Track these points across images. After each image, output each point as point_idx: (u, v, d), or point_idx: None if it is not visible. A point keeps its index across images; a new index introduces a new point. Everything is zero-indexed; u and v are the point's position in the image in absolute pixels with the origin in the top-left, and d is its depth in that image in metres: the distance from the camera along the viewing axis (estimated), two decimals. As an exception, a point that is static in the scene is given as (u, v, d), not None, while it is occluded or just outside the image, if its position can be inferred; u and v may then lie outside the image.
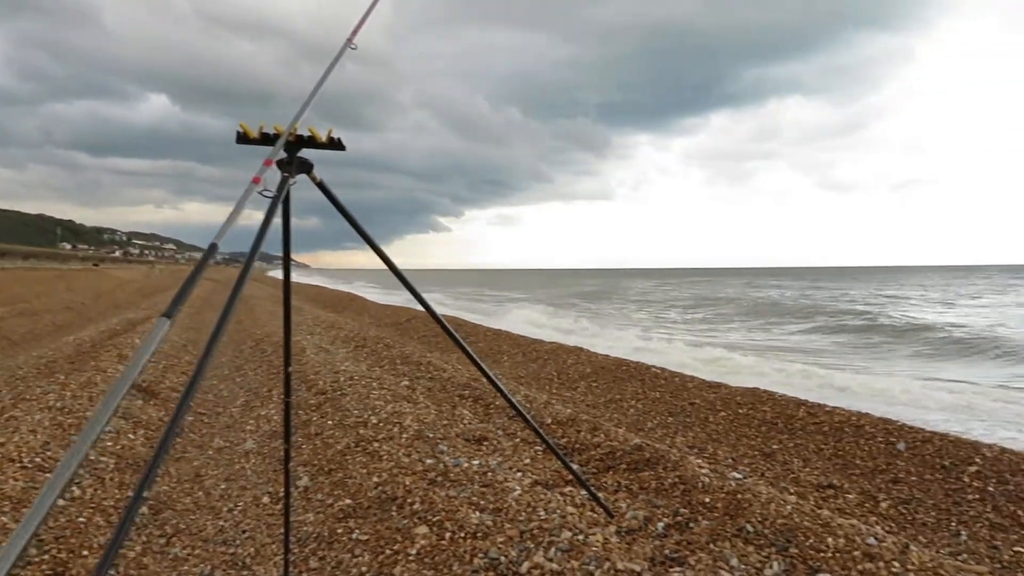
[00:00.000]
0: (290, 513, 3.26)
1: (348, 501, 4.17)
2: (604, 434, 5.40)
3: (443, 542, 3.39)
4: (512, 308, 31.20)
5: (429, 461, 4.59)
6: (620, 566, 3.00)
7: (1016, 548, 4.05)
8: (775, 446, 6.10)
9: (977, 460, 5.23)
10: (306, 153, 2.27)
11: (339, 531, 3.81)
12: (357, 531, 3.75)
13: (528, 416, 3.21)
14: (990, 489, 4.83)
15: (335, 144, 2.26)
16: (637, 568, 3.00)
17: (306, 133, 2.22)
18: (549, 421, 6.00)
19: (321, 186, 2.30)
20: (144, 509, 4.13)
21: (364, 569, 3.32)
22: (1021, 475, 4.96)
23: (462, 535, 3.44)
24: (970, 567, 3.08)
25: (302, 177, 2.25)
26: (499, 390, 3.03)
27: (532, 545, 3.27)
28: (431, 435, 5.24)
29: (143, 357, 1.49)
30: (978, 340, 18.13)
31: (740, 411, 7.14)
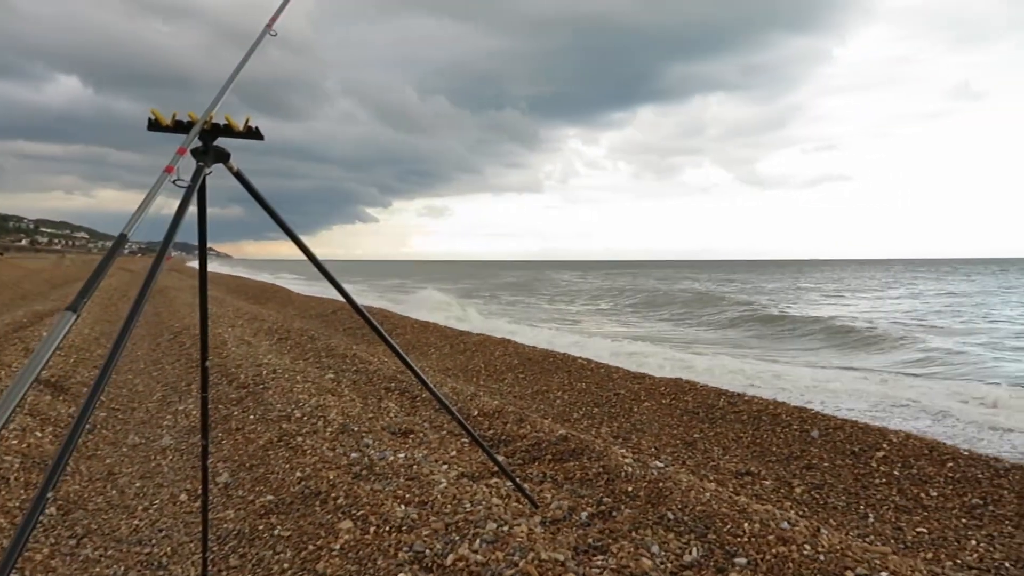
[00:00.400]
0: (209, 510, 3.18)
1: (270, 497, 4.09)
2: (530, 425, 5.44)
3: (368, 536, 3.36)
4: (422, 295, 31.11)
5: (354, 455, 4.53)
6: (544, 556, 3.02)
7: (919, 529, 4.26)
8: (696, 435, 6.26)
9: (884, 446, 5.48)
10: (225, 142, 2.20)
11: (260, 528, 3.73)
12: (279, 527, 3.68)
13: (453, 409, 3.21)
14: (896, 473, 5.07)
15: (253, 133, 2.20)
16: (560, 557, 3.03)
17: (222, 121, 2.15)
18: (476, 413, 6.01)
19: (239, 176, 2.24)
20: (52, 510, 3.96)
21: (286, 566, 3.26)
22: (924, 459, 5.22)
23: (387, 529, 3.41)
24: (875, 548, 3.23)
25: (219, 166, 2.18)
26: (422, 382, 3.01)
27: (457, 537, 3.27)
28: (356, 428, 5.18)
29: (46, 352, 1.42)
30: (887, 329, 18.97)
31: (663, 401, 7.30)
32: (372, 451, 4.61)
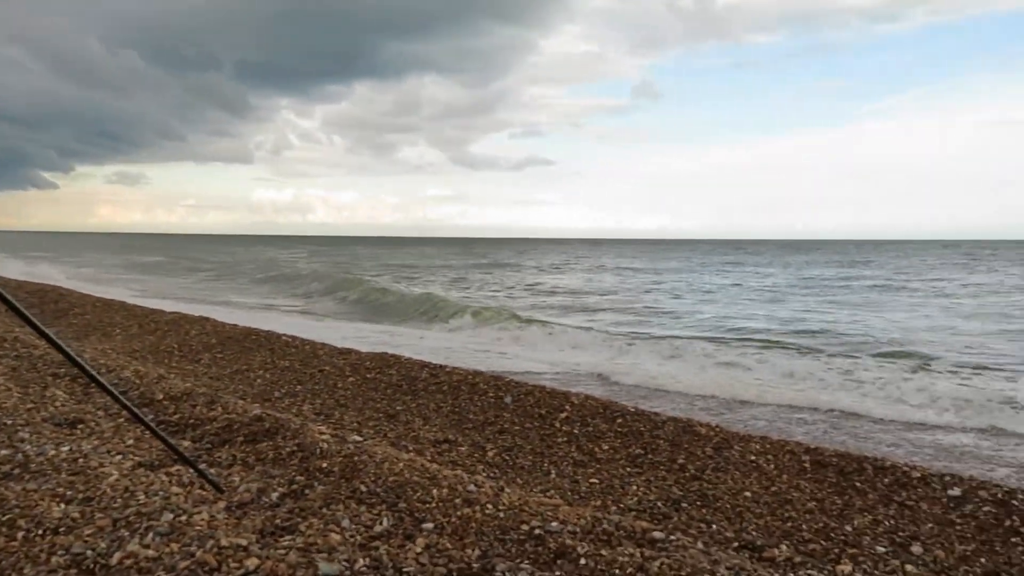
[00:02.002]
0: None
1: None
2: (222, 407, 5.13)
3: (14, 544, 2.93)
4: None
5: (4, 452, 3.94)
6: (225, 542, 2.86)
7: (592, 480, 4.72)
8: (399, 407, 6.35)
9: (567, 407, 5.99)
10: None
11: None
12: None
13: (114, 391, 2.88)
14: (575, 432, 5.56)
15: None
16: (244, 542, 2.89)
17: None
18: (161, 397, 5.54)
19: None
20: None
21: (-99, 590, 2.74)
22: (600, 417, 5.79)
23: (40, 532, 3.00)
24: (549, 501, 3.51)
25: None
26: (73, 360, 2.67)
27: (127, 533, 2.97)
28: (10, 422, 4.50)
29: None
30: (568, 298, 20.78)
31: (368, 376, 7.31)
32: (28, 446, 4.03)
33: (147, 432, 4.63)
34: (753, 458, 4.95)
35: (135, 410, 2.94)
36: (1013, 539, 3.79)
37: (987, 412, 7.72)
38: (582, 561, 2.82)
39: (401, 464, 3.86)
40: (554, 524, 3.15)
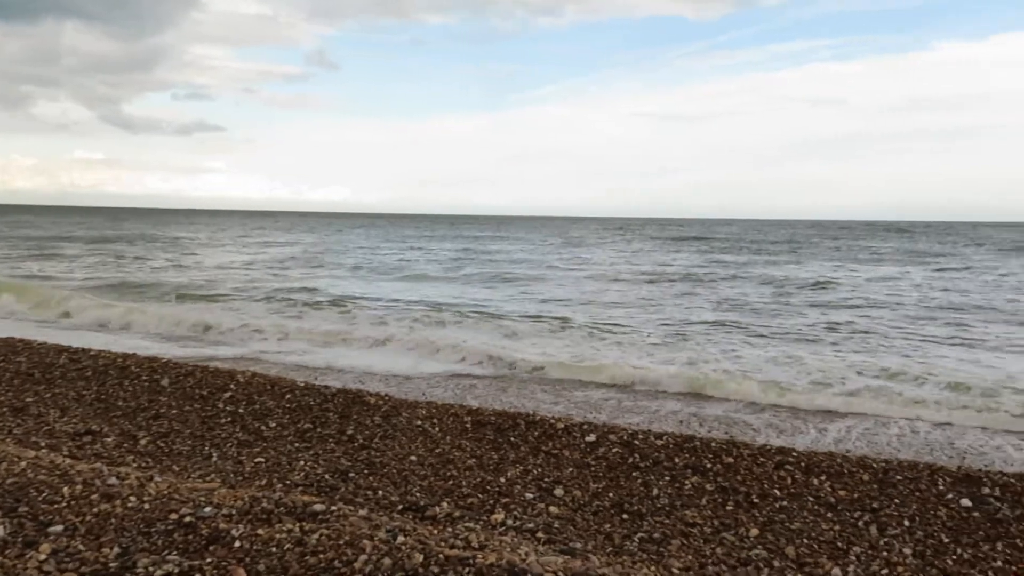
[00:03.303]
0: None
1: None
2: None
3: None
4: None
5: None
6: None
7: (257, 459, 4.54)
8: (30, 399, 5.55)
9: (232, 387, 5.69)
10: None
11: None
12: None
13: None
14: (240, 411, 5.31)
15: None
16: None
17: None
18: None
19: None
20: None
21: None
22: (267, 394, 5.60)
23: None
24: (203, 485, 3.30)
25: None
26: None
27: None
28: None
29: None
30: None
31: (-12, 365, 6.27)
32: None
33: None
34: (420, 423, 5.14)
35: None
36: (634, 473, 4.39)
37: (629, 371, 8.84)
38: (237, 544, 2.69)
39: (24, 463, 3.36)
40: (207, 509, 2.96)
